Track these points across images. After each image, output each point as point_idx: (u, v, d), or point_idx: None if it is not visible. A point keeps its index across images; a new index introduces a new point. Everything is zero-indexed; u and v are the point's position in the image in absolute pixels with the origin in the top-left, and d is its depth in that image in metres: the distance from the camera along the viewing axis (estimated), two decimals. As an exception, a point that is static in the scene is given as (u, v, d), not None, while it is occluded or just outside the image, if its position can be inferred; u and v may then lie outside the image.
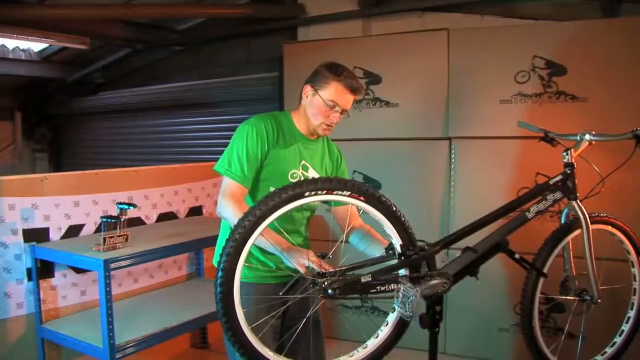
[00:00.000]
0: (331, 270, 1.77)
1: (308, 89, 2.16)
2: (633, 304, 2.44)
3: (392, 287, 1.83)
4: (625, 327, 2.46)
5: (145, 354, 2.96)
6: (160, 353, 3.59)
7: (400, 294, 1.81)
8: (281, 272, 2.01)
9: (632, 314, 2.45)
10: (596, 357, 2.43)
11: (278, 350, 1.99)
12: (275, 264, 2.08)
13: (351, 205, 1.91)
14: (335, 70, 2.11)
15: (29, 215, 3.00)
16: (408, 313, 1.79)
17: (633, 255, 2.41)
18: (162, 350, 3.48)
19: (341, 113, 2.13)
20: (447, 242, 1.99)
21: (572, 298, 2.32)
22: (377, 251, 2.06)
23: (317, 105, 2.12)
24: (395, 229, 1.84)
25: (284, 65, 4.27)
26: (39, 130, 7.74)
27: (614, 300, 2.43)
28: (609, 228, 2.35)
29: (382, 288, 1.82)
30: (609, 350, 2.44)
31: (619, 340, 2.45)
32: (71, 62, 6.86)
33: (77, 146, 7.68)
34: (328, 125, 2.14)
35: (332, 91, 2.09)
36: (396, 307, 1.85)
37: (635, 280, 2.44)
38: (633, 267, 2.43)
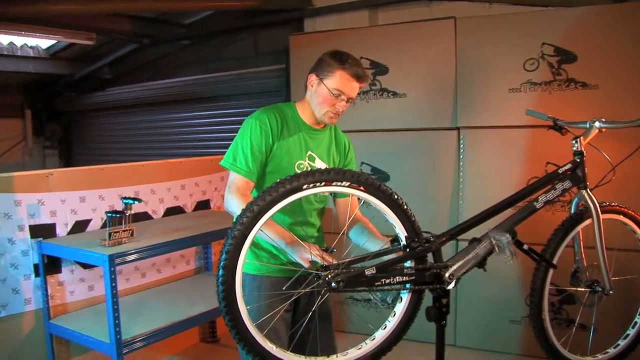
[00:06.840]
0: (334, 263, 1.74)
1: (313, 78, 2.12)
2: (646, 294, 2.40)
3: (398, 280, 1.80)
4: (639, 320, 2.40)
5: (154, 348, 2.95)
6: (170, 347, 3.60)
7: (495, 246, 1.91)
8: (293, 266, 1.98)
9: (645, 305, 2.40)
10: (608, 350, 2.38)
11: (296, 345, 1.97)
12: (287, 257, 2.04)
13: (351, 196, 1.87)
14: (340, 58, 2.06)
15: (35, 211, 2.99)
16: (509, 255, 1.88)
17: (645, 245, 2.36)
18: (171, 344, 3.49)
19: (347, 101, 2.09)
20: (454, 234, 1.96)
21: (583, 289, 2.27)
22: (375, 247, 2.02)
23: (322, 95, 2.08)
24: (399, 219, 1.81)
25: (290, 57, 4.25)
26: (48, 127, 7.77)
27: (626, 292, 2.38)
28: (621, 217, 2.30)
29: (387, 280, 1.79)
30: (622, 343, 2.39)
31: (632, 332, 2.40)
32: (79, 58, 6.85)
33: (87, 142, 7.70)
34: (334, 113, 2.11)
35: (337, 80, 2.05)
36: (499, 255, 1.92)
37: (648, 271, 2.39)
38: (646, 257, 2.38)
